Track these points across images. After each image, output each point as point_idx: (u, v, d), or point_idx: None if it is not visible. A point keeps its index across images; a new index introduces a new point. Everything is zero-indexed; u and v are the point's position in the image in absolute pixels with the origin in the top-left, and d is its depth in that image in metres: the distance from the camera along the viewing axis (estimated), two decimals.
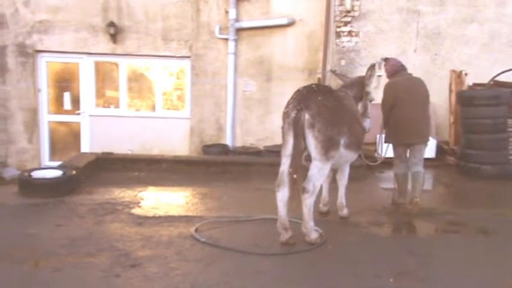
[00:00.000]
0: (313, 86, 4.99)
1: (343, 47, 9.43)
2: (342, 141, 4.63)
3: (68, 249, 4.27)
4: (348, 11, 9.30)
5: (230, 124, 10.11)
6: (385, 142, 6.07)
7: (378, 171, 7.83)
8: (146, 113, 10.42)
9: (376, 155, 6.64)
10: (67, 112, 10.31)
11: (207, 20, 9.99)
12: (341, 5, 9.31)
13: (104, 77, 10.46)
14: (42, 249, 4.27)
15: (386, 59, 6.17)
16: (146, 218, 5.29)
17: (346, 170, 5.38)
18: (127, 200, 5.99)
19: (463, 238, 4.90)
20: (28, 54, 9.92)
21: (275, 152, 8.09)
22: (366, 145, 6.26)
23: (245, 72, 10.10)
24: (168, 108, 10.50)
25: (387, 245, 4.67)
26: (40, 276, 3.75)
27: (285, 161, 4.46)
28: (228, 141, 10.08)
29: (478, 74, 8.79)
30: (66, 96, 10.28)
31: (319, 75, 9.83)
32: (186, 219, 5.25)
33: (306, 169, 4.54)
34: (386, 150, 6.15)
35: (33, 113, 10.07)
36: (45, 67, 10.15)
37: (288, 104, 4.58)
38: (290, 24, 9.88)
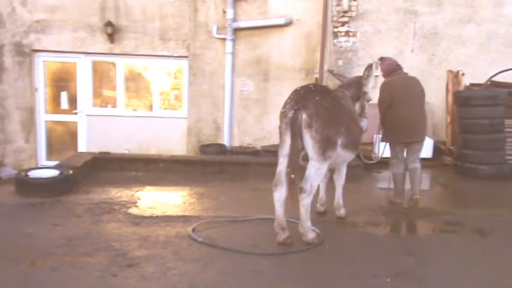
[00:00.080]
0: (311, 86, 4.99)
1: (341, 47, 9.44)
2: (339, 141, 4.63)
3: (64, 249, 4.25)
4: (345, 11, 9.32)
5: (227, 124, 10.11)
6: (383, 141, 6.10)
7: (375, 171, 7.84)
8: (143, 112, 10.41)
9: (373, 154, 6.65)
10: (64, 112, 10.29)
11: (204, 20, 9.99)
12: (338, 5, 9.32)
13: (101, 76, 10.45)
14: (38, 249, 4.26)
15: (382, 59, 6.19)
16: (143, 217, 5.27)
17: (344, 170, 5.38)
18: (124, 200, 5.98)
19: (460, 238, 4.90)
20: (25, 53, 9.90)
21: (272, 151, 8.10)
22: (363, 145, 6.27)
23: (243, 72, 10.10)
24: (166, 108, 10.49)
25: (384, 245, 4.67)
26: (37, 276, 3.74)
27: (282, 161, 4.46)
28: (225, 141, 10.07)
29: (475, 74, 8.80)
30: (64, 96, 10.26)
31: (317, 75, 9.83)
32: (183, 219, 5.24)
33: (303, 169, 4.54)
34: (384, 150, 6.17)
35: (30, 113, 10.05)
36: (42, 66, 10.13)
37: (286, 103, 4.58)
38: (287, 24, 9.88)
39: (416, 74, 6.33)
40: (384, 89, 5.93)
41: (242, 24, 9.90)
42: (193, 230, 4.82)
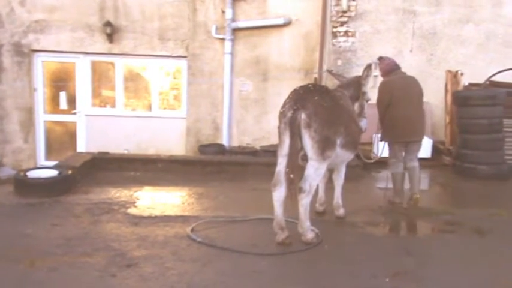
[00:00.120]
0: (310, 86, 5.00)
1: (340, 47, 9.44)
2: (338, 141, 4.63)
3: (63, 249, 4.25)
4: (344, 11, 9.33)
5: (226, 124, 10.10)
6: (382, 140, 6.10)
7: (375, 171, 7.84)
8: (142, 112, 10.40)
9: (372, 154, 6.66)
10: (63, 112, 10.29)
11: (203, 20, 9.99)
12: (337, 5, 9.33)
13: (100, 76, 10.44)
14: (37, 249, 4.25)
15: (380, 58, 6.19)
16: (142, 217, 5.27)
17: (343, 170, 5.39)
18: (123, 200, 5.98)
19: (459, 238, 4.91)
20: (24, 53, 9.89)
21: (271, 151, 8.10)
22: (362, 145, 6.27)
23: (242, 72, 10.10)
24: (165, 108, 10.49)
25: (383, 245, 4.67)
26: (36, 276, 3.73)
27: (281, 161, 4.46)
28: (224, 141, 10.07)
29: (474, 74, 8.82)
30: (62, 96, 10.26)
31: (316, 75, 9.83)
32: (182, 219, 5.24)
33: (302, 169, 4.54)
34: (383, 149, 6.18)
35: (29, 113, 10.05)
36: (41, 66, 10.12)
37: (285, 103, 4.58)
38: (286, 24, 9.88)
39: (415, 74, 6.34)
40: (382, 88, 5.93)
41: (241, 24, 9.90)
42: (192, 230, 4.81)
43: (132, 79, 10.47)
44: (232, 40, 9.91)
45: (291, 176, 4.32)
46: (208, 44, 10.03)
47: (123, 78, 10.31)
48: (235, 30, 9.91)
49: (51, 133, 10.39)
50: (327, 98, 4.63)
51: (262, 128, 10.12)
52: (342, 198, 5.42)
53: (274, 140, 7.79)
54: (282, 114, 4.51)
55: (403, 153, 5.94)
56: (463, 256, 4.42)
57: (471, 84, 8.66)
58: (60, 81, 10.29)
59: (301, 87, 4.80)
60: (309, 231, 4.54)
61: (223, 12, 9.87)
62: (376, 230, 5.15)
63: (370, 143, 7.89)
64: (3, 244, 4.36)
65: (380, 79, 6.27)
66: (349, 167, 5.61)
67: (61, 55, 10.06)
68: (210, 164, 7.94)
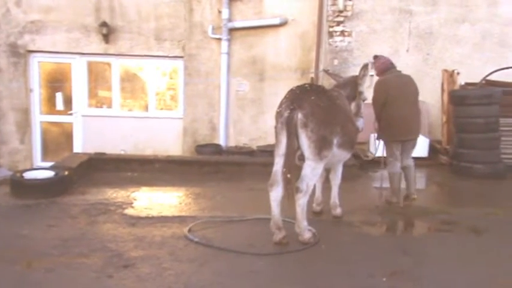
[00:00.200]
0: (306, 85, 5.00)
1: (336, 46, 9.45)
2: (335, 141, 4.64)
3: (60, 250, 4.24)
4: (341, 11, 9.33)
5: (223, 124, 10.10)
6: (378, 139, 6.11)
7: (371, 171, 7.85)
8: (139, 113, 10.39)
9: (368, 153, 6.66)
10: (59, 112, 10.27)
11: (200, 20, 9.98)
12: (333, 5, 9.33)
13: (96, 77, 10.43)
14: (34, 250, 4.24)
15: (376, 57, 6.19)
16: (139, 218, 5.26)
17: (339, 170, 5.39)
18: (120, 201, 5.96)
19: (455, 237, 4.92)
20: (20, 54, 9.87)
21: (268, 151, 8.09)
22: (358, 144, 6.27)
23: (238, 72, 10.10)
24: (161, 108, 10.48)
25: (380, 245, 4.68)
26: (32, 277, 3.73)
27: (278, 161, 4.46)
28: (221, 141, 10.07)
29: (470, 74, 8.83)
30: (59, 97, 10.24)
31: (312, 75, 9.84)
32: (179, 219, 5.23)
33: (299, 169, 4.54)
34: (379, 148, 6.19)
35: (25, 113, 10.02)
36: (37, 67, 10.10)
37: (281, 103, 4.58)
38: (283, 24, 9.89)
39: (411, 73, 6.34)
40: (378, 87, 5.94)
41: (237, 24, 9.90)
42: (189, 230, 4.81)
43: (129, 79, 10.46)
44: (229, 40, 9.90)
45: (288, 175, 4.32)
46: (204, 44, 10.02)
47: (119, 78, 10.29)
48: (232, 30, 9.91)
49: (48, 134, 10.37)
50: (324, 97, 4.63)
51: (259, 128, 10.12)
52: (339, 198, 5.42)
53: (271, 140, 7.78)
54: (278, 114, 4.51)
55: (400, 152, 5.95)
56: (460, 255, 4.43)
57: (467, 84, 8.68)
58: (57, 82, 10.27)
59: (298, 87, 4.80)
60: (306, 231, 4.54)
61: (219, 12, 9.87)
62: (373, 230, 5.16)
63: (367, 143, 7.93)
64: (0, 245, 4.35)
65: (376, 78, 6.28)
66: (346, 166, 5.60)
67: (57, 56, 10.04)
68: (207, 164, 7.94)
